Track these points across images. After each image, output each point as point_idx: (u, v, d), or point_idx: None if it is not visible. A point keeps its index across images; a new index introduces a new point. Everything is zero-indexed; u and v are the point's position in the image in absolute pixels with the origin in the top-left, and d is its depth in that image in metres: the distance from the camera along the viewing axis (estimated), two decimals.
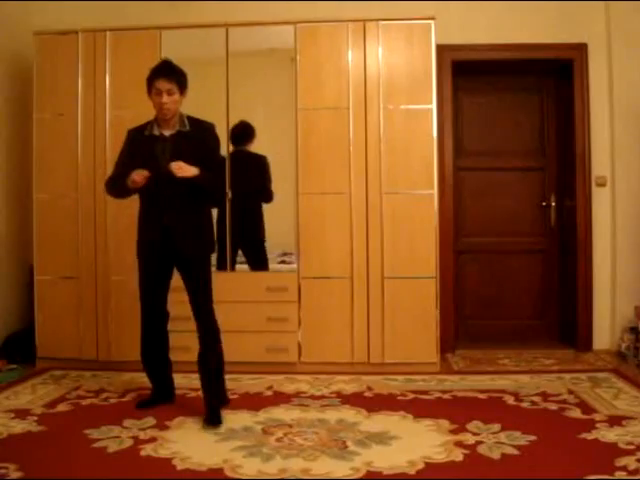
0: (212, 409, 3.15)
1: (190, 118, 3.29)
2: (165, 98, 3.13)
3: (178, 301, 4.19)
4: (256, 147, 4.37)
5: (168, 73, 3.17)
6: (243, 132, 4.29)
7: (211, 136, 3.33)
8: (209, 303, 3.29)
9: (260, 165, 4.28)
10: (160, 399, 3.45)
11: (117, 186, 3.31)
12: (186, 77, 3.25)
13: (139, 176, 3.11)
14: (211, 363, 3.25)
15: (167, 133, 3.24)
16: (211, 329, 3.28)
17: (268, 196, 4.28)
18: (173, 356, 4.21)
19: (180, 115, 3.25)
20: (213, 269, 4.23)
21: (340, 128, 4.15)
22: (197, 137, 3.24)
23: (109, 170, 4.22)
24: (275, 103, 4.42)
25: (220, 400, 3.28)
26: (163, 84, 3.13)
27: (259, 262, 4.31)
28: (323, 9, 4.50)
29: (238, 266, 4.29)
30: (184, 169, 3.09)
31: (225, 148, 4.18)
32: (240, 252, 4.35)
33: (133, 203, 4.21)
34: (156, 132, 3.24)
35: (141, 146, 3.25)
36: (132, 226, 4.18)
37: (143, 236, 3.35)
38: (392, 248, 4.13)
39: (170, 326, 4.25)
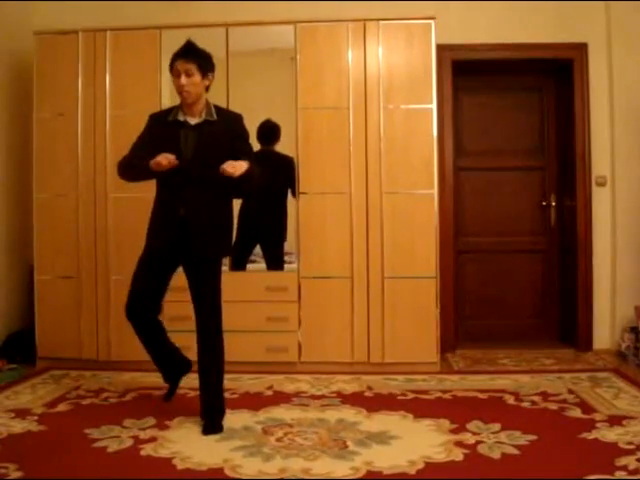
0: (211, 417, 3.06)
1: (218, 107, 3.14)
2: (183, 79, 2.98)
3: (177, 300, 4.21)
4: (256, 147, 4.37)
5: (186, 54, 3.03)
6: (270, 132, 4.27)
7: (240, 125, 3.15)
8: (216, 308, 3.10)
9: (287, 165, 4.21)
10: (177, 379, 3.26)
11: (135, 167, 3.09)
12: (209, 59, 3.08)
13: (166, 159, 2.89)
14: (211, 365, 3.08)
15: (193, 121, 3.06)
16: (214, 336, 3.09)
17: (293, 193, 4.24)
18: None
19: (207, 103, 3.09)
20: (225, 268, 4.26)
21: (340, 128, 4.15)
22: (225, 127, 3.06)
23: (110, 171, 4.24)
24: (275, 103, 4.42)
25: (220, 407, 3.12)
26: (181, 65, 3.00)
27: (277, 260, 4.29)
28: (323, 9, 4.50)
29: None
30: (237, 167, 2.87)
31: None
32: (253, 251, 4.37)
33: (133, 203, 4.23)
34: (181, 118, 3.07)
35: (164, 131, 3.07)
36: (133, 226, 4.19)
37: (156, 226, 3.13)
38: (392, 248, 4.13)
39: (169, 326, 4.26)
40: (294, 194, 4.21)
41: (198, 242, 3.05)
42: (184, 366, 3.28)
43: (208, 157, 2.99)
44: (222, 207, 3.15)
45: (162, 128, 3.09)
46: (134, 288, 3.15)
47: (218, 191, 3.07)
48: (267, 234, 4.39)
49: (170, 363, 3.27)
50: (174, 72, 3.04)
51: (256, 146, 4.12)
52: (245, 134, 3.18)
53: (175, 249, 3.09)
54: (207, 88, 3.10)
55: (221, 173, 2.88)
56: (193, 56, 3.03)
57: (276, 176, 4.19)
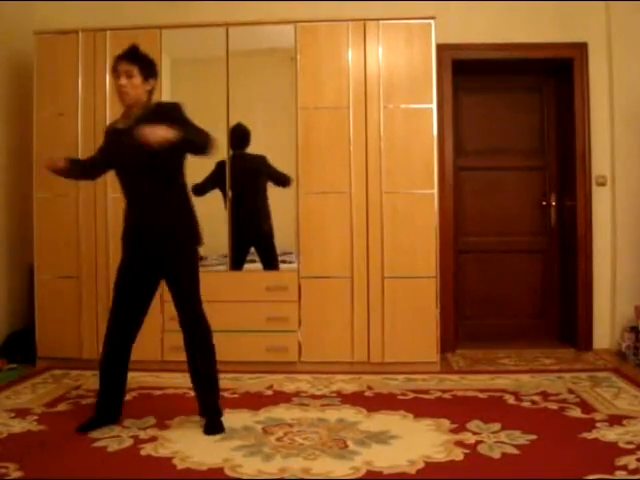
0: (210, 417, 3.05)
1: (157, 104, 3.09)
2: (123, 80, 2.94)
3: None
4: (257, 146, 4.38)
5: (129, 56, 2.99)
6: (242, 136, 4.30)
7: (175, 111, 2.99)
8: (198, 305, 3.07)
9: (260, 162, 4.29)
10: (105, 419, 3.07)
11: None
12: (153, 65, 3.05)
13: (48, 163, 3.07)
14: (202, 367, 3.05)
15: (125, 125, 3.01)
16: (199, 331, 3.06)
17: (285, 181, 4.25)
18: (173, 356, 4.22)
19: (147, 106, 3.02)
20: (224, 267, 4.26)
21: (340, 127, 4.15)
22: (158, 118, 2.86)
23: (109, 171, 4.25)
24: (275, 102, 4.42)
25: (215, 407, 3.08)
26: (123, 66, 2.95)
27: (271, 260, 4.32)
28: (323, 8, 4.50)
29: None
30: (155, 131, 2.72)
31: (225, 149, 4.20)
32: (250, 252, 4.38)
33: None
34: (119, 125, 3.05)
35: (106, 142, 3.13)
36: None
37: (123, 236, 3.11)
38: (392, 247, 4.13)
39: (168, 326, 4.27)
40: (278, 183, 4.25)
41: (154, 244, 3.02)
42: (115, 417, 3.12)
43: (144, 153, 2.82)
44: (177, 198, 3.06)
45: (106, 139, 3.15)
46: (113, 325, 3.09)
47: (166, 183, 3.01)
48: (257, 233, 4.42)
49: (116, 401, 3.14)
50: (115, 73, 3.00)
51: (228, 151, 4.20)
52: (180, 116, 2.98)
53: (142, 256, 3.05)
54: (149, 93, 3.06)
55: (144, 143, 2.73)
56: (135, 59, 3.00)
57: (253, 177, 4.32)
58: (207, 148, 2.92)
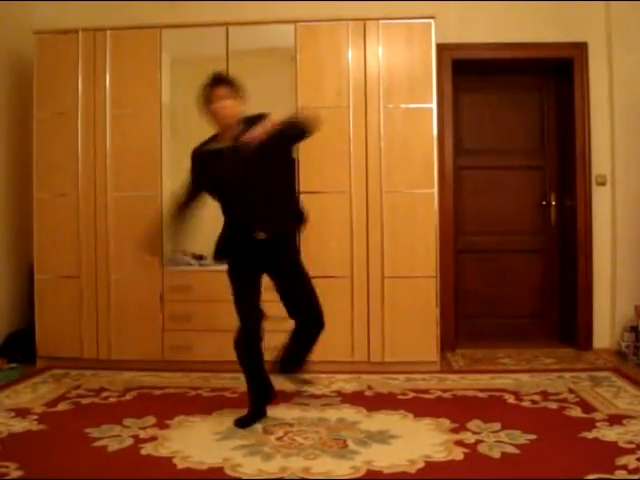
0: (291, 358, 3.39)
1: (244, 119, 3.15)
2: (222, 103, 3.10)
3: (177, 300, 4.22)
4: None
5: (221, 81, 3.16)
6: None
7: (263, 115, 3.10)
8: (313, 289, 3.37)
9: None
10: (262, 412, 3.22)
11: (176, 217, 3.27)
12: (239, 85, 3.20)
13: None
14: (313, 339, 3.39)
15: (227, 144, 3.13)
16: (320, 314, 3.36)
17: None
18: (173, 355, 4.24)
19: (238, 123, 3.14)
20: (224, 267, 4.25)
21: (340, 127, 4.15)
22: (253, 125, 3.03)
23: (110, 170, 4.25)
24: (275, 102, 4.41)
25: (297, 362, 3.42)
26: (218, 91, 3.11)
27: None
28: (323, 8, 4.49)
29: None
30: (255, 130, 2.93)
31: None
32: None
33: (133, 202, 4.23)
34: (218, 146, 3.15)
35: (205, 163, 3.18)
36: (133, 225, 4.20)
37: (233, 253, 3.25)
38: (392, 247, 4.13)
39: (169, 325, 4.28)
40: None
41: (283, 258, 3.28)
42: (272, 393, 3.40)
43: (258, 167, 3.08)
44: (291, 199, 3.34)
45: (200, 163, 3.20)
46: (247, 323, 3.21)
47: (283, 185, 3.24)
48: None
49: (264, 388, 3.34)
50: (211, 99, 3.11)
51: None
52: (271, 117, 3.12)
53: (259, 265, 3.27)
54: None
55: (257, 142, 2.95)
56: (227, 82, 3.17)
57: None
58: (310, 126, 3.11)
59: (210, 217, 4.40)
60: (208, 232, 4.51)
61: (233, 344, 3.17)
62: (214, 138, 3.22)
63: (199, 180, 3.21)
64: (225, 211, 3.25)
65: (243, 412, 3.28)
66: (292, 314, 3.37)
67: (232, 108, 3.12)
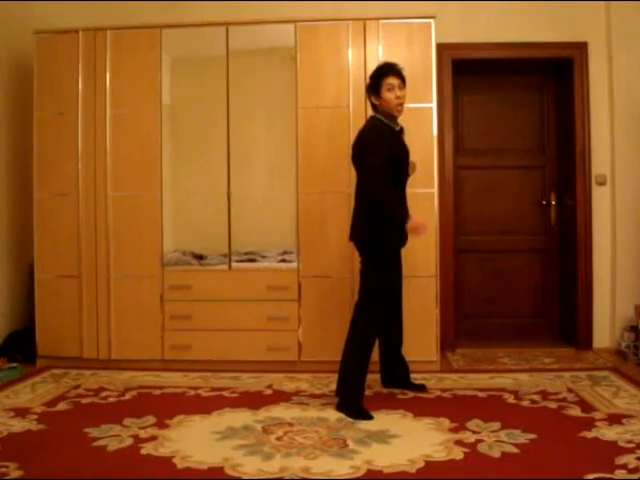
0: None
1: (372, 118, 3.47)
2: (400, 92, 3.35)
3: (177, 300, 4.22)
4: (256, 145, 4.37)
5: (398, 71, 3.37)
6: None
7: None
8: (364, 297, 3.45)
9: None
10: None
11: (390, 215, 3.32)
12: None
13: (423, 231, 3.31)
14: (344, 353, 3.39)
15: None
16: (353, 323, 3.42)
17: None
18: (173, 355, 4.24)
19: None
20: (224, 266, 4.26)
21: (340, 127, 4.14)
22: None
23: (110, 170, 4.25)
24: (275, 102, 4.42)
25: (343, 393, 3.33)
26: (395, 80, 3.34)
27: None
28: (324, 8, 4.50)
29: (237, 264, 4.27)
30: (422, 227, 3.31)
31: (226, 149, 4.21)
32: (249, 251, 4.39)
33: (133, 202, 4.23)
34: (395, 127, 3.42)
35: (396, 144, 3.38)
36: (133, 225, 4.21)
37: (395, 240, 3.43)
38: None
39: (169, 325, 4.28)
40: None
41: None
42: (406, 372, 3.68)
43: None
44: None
45: (392, 140, 3.36)
46: (380, 324, 3.44)
47: None
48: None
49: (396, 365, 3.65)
50: (387, 85, 3.33)
51: (228, 150, 4.12)
52: None
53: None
54: None
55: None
56: (400, 73, 3.38)
57: None
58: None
59: (210, 216, 4.43)
60: (208, 232, 4.53)
61: (363, 338, 3.34)
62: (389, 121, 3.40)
63: (393, 153, 3.34)
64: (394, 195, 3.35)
65: (243, 412, 3.28)
66: (390, 316, 3.55)
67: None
